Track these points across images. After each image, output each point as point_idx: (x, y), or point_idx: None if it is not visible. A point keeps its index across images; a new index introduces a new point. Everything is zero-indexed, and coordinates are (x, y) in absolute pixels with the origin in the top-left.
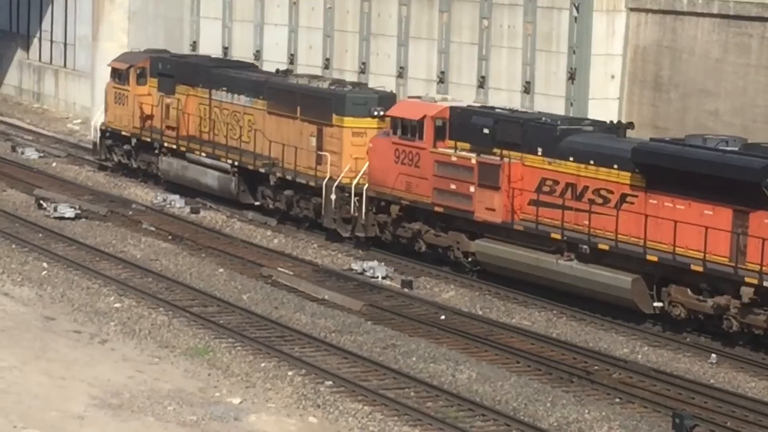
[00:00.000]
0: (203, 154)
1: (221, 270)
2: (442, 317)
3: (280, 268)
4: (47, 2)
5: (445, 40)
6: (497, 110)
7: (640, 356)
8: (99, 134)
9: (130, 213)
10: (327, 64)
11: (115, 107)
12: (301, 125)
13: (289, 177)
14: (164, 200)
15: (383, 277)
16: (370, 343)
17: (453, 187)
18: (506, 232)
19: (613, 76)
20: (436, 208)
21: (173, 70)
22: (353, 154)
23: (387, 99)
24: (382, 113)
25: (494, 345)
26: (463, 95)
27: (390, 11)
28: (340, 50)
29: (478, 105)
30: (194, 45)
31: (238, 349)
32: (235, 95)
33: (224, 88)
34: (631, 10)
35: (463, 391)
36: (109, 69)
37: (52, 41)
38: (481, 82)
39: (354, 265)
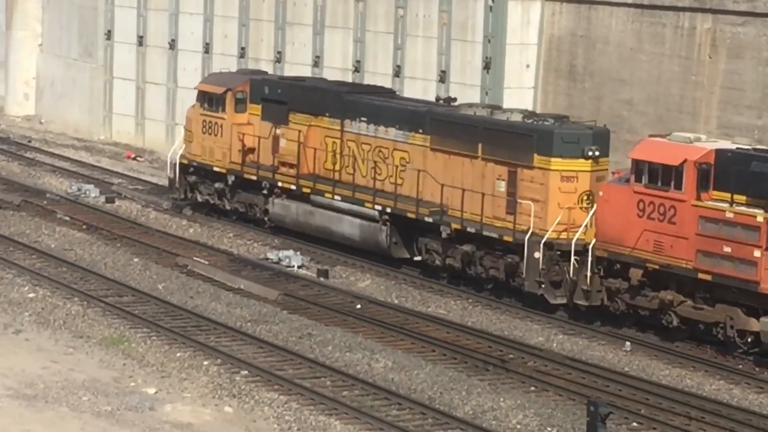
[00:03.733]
0: (337, 198)
1: (136, 259)
2: (358, 306)
3: (195, 258)
4: None
5: (360, 29)
6: None
7: (554, 344)
8: (178, 169)
9: (45, 202)
10: (242, 53)
11: (203, 138)
12: (483, 166)
13: (470, 229)
14: (79, 189)
15: (299, 267)
16: (286, 333)
17: (727, 249)
18: None
19: (528, 66)
20: (701, 275)
21: (286, 96)
22: (562, 202)
23: (602, 136)
24: (597, 153)
25: (410, 334)
26: (378, 83)
27: (305, 0)
28: (256, 39)
29: (749, 147)
30: (109, 34)
31: (153, 339)
32: (380, 127)
33: (362, 119)
34: None
35: (378, 380)
36: (196, 93)
37: None
38: (397, 71)
39: (270, 254)
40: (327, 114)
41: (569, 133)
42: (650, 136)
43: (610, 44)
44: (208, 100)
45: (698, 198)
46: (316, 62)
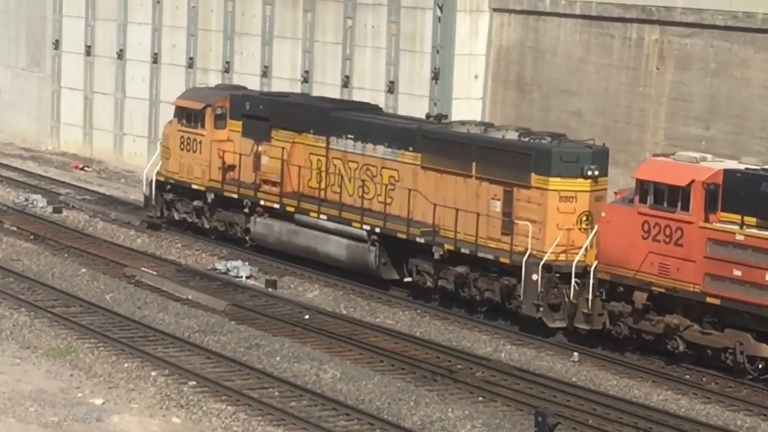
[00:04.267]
0: (323, 217)
1: (84, 270)
2: (306, 317)
3: (143, 268)
4: None
5: (309, 39)
6: None
7: (503, 355)
8: (154, 186)
9: None
10: (191, 63)
11: (181, 155)
12: (478, 185)
13: (465, 250)
14: (26, 200)
15: (247, 277)
16: (234, 343)
17: (737, 273)
18: None
19: (476, 76)
20: (709, 299)
21: (268, 112)
22: (561, 223)
23: (601, 155)
24: (596, 173)
25: (358, 344)
26: (327, 93)
27: (254, 10)
28: (204, 49)
29: (759, 167)
30: (57, 44)
31: (101, 350)
32: (368, 145)
33: (349, 136)
34: (495, 10)
35: (326, 390)
36: (173, 108)
37: None
38: (345, 82)
39: (218, 264)
40: (312, 131)
41: (568, 152)
42: (654, 155)
43: (558, 55)
44: (187, 115)
45: (706, 220)
46: (265, 72)
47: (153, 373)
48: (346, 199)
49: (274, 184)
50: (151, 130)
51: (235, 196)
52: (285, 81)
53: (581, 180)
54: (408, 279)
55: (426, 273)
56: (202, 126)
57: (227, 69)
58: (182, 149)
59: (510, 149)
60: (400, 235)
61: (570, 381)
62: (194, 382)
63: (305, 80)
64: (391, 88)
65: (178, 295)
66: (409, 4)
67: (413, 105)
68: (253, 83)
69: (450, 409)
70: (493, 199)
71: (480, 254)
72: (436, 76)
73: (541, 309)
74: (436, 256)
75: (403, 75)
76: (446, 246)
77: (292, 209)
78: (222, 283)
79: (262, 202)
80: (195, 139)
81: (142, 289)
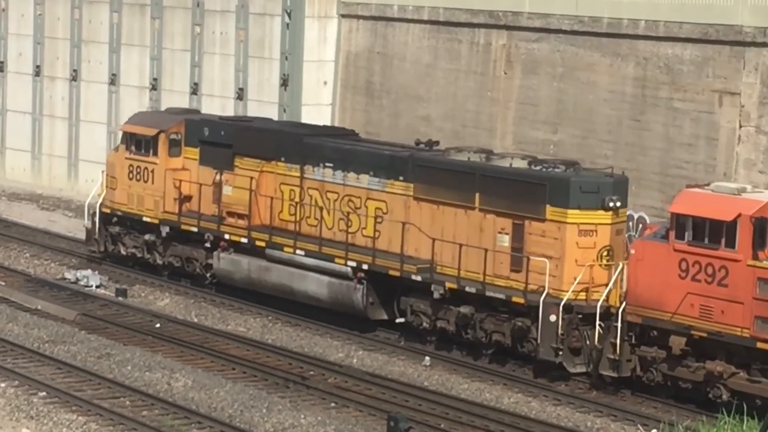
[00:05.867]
0: (300, 252)
1: None
2: (158, 325)
3: None
4: None
5: (157, 46)
6: None
7: (355, 360)
8: (98, 219)
9: None
10: (38, 72)
11: (130, 185)
12: (482, 218)
13: (470, 289)
14: None
15: (97, 286)
16: (85, 353)
17: None
18: None
19: (325, 82)
20: (760, 344)
21: (231, 138)
22: (580, 259)
23: (622, 184)
24: (618, 204)
25: (210, 352)
26: (176, 100)
27: (101, 18)
28: (51, 57)
29: None
30: None
31: None
32: (350, 174)
33: (327, 164)
34: (343, 16)
35: (178, 398)
36: (120, 134)
37: None
38: (194, 89)
39: (67, 274)
40: (283, 159)
41: (588, 181)
42: (688, 186)
43: (407, 61)
44: (136, 142)
45: (755, 257)
46: (113, 80)
47: (2, 384)
48: (325, 232)
49: (240, 216)
50: None
51: (195, 229)
52: (133, 89)
53: (602, 212)
54: (400, 320)
55: (422, 313)
56: (155, 154)
57: (74, 77)
58: (131, 179)
59: (520, 179)
60: (392, 272)
61: (422, 385)
62: (44, 393)
63: (153, 87)
64: (241, 94)
65: (28, 305)
66: (257, 10)
67: (263, 111)
68: (101, 91)
69: (302, 416)
70: (500, 233)
71: (489, 293)
72: (285, 83)
73: (561, 353)
74: (436, 295)
75: (252, 82)
76: (448, 284)
77: (262, 244)
78: (72, 292)
79: (227, 236)
80: (146, 168)
81: None
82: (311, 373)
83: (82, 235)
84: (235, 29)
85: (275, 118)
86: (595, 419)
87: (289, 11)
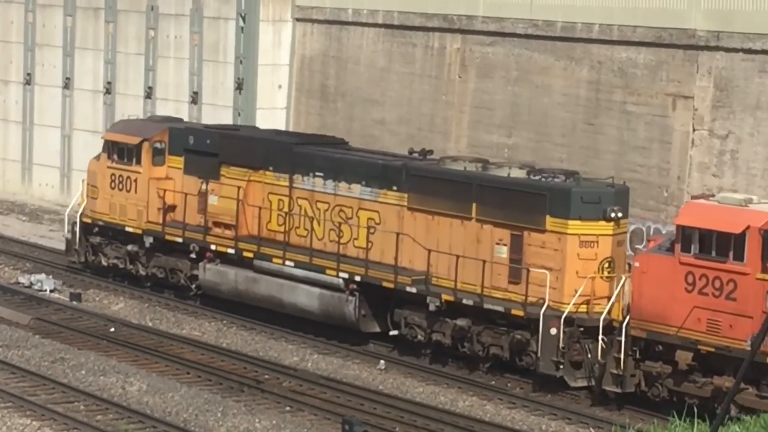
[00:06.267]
0: (290, 263)
1: None
2: (112, 329)
3: None
4: None
5: (111, 50)
6: None
7: (310, 364)
8: (78, 229)
9: None
10: None
11: (112, 194)
12: (479, 229)
13: (467, 301)
14: None
15: (51, 290)
16: (39, 357)
17: None
18: None
19: (280, 86)
20: None
21: (217, 147)
22: (581, 271)
23: (623, 195)
24: (620, 215)
25: (165, 356)
26: (130, 104)
27: (55, 21)
28: (5, 61)
29: None
30: None
31: None
32: (341, 183)
33: (318, 174)
34: (297, 20)
35: (133, 403)
36: (102, 142)
37: None
38: (149, 93)
39: (21, 278)
40: (271, 168)
41: (589, 191)
42: (693, 197)
43: (362, 64)
44: (119, 151)
45: (764, 270)
46: (67, 84)
47: None
48: (315, 243)
49: (227, 226)
50: None
51: (180, 239)
52: (87, 92)
53: (603, 223)
54: (393, 332)
55: (416, 326)
56: (138, 162)
57: (28, 81)
58: (113, 188)
59: (519, 189)
60: (386, 284)
61: (377, 389)
62: None
63: (108, 91)
64: (195, 98)
65: None
66: (211, 14)
67: (217, 115)
68: (55, 95)
69: (257, 420)
70: (497, 244)
71: (487, 305)
72: (239, 87)
73: (562, 367)
74: (432, 307)
75: (207, 85)
76: (444, 296)
77: (250, 254)
78: (25, 296)
79: (213, 247)
80: (129, 177)
81: None
82: (266, 376)
83: (37, 240)
84: (190, 33)
85: (230, 121)
86: (550, 422)
87: (243, 15)
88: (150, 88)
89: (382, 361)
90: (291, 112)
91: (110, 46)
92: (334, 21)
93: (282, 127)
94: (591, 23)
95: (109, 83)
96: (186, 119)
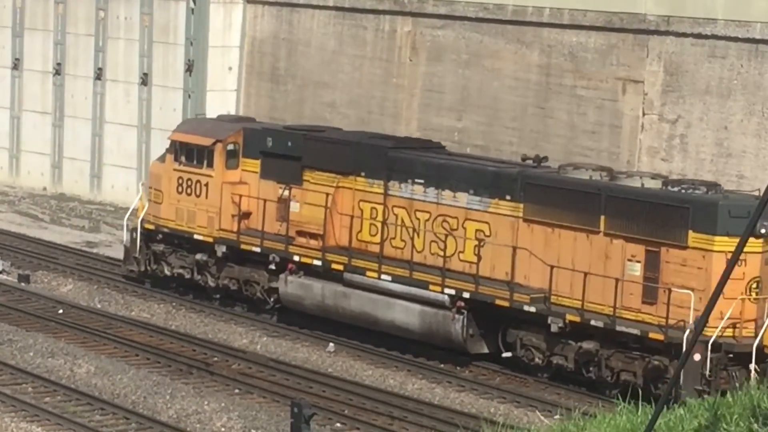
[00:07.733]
0: (386, 278)
1: None
2: (60, 311)
3: None
4: None
5: (61, 31)
6: None
7: (259, 347)
8: (138, 236)
9: None
10: None
11: (179, 199)
12: (607, 244)
13: (596, 322)
14: None
15: (0, 272)
16: None
17: None
18: None
19: (230, 68)
20: None
21: (299, 150)
22: (728, 292)
23: None
24: None
25: (113, 338)
26: (79, 85)
27: (4, 2)
28: None
29: None
30: None
31: None
32: (445, 191)
33: (417, 181)
34: (248, 2)
35: (81, 385)
36: (169, 143)
37: None
38: (98, 74)
39: None
40: (362, 173)
41: (738, 205)
42: None
43: (312, 47)
44: (188, 152)
45: None
46: (16, 65)
47: None
48: (418, 257)
49: (312, 236)
50: None
51: (257, 249)
52: (37, 73)
53: (752, 239)
54: (507, 354)
55: (534, 348)
56: (210, 165)
57: None
58: (180, 192)
59: (656, 201)
60: (499, 302)
61: (326, 372)
62: None
63: (57, 72)
64: (145, 79)
65: None
66: None
67: (167, 97)
68: (4, 76)
69: (206, 402)
70: (630, 260)
71: (620, 327)
72: (190, 68)
73: (707, 397)
74: (554, 328)
75: (157, 67)
76: (569, 316)
77: (340, 267)
78: None
79: (296, 258)
80: (199, 181)
81: None
82: (215, 359)
83: None
84: (140, 14)
85: (180, 103)
86: (499, 405)
87: None
88: (100, 69)
89: (331, 344)
90: (241, 94)
91: (60, 27)
92: (285, 3)
93: (232, 110)
94: (542, 7)
95: (58, 64)
96: (136, 101)
